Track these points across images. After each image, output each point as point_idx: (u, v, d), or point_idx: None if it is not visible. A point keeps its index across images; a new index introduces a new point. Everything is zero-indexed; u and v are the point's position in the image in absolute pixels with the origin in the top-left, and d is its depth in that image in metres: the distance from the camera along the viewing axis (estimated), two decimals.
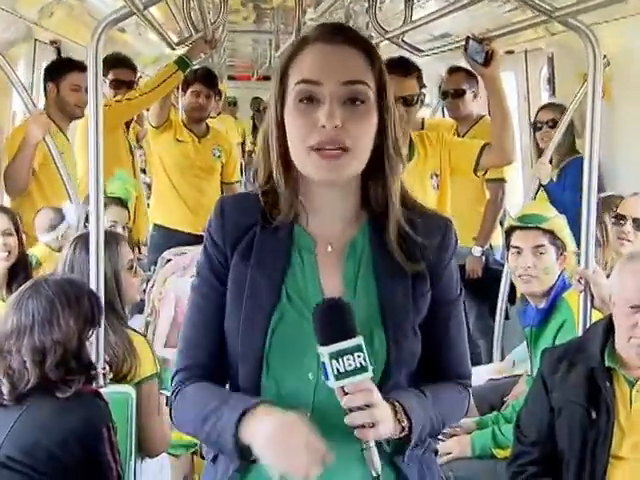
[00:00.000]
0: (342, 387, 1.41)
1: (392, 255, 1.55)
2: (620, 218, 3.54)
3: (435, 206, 3.26)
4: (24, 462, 2.22)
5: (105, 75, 5.04)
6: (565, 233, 3.13)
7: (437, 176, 3.65)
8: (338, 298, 1.47)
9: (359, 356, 1.39)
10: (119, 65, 5.21)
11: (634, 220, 3.55)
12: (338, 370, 1.39)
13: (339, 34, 1.52)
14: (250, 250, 1.57)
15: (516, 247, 3.15)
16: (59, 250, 3.97)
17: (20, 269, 3.32)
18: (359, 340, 1.40)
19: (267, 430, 1.42)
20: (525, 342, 3.20)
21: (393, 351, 1.52)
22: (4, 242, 3.27)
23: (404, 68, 3.50)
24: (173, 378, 1.63)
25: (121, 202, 3.85)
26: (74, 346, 2.33)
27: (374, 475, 1.42)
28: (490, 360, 4.41)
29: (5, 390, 2.27)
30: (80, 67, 4.61)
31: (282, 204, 1.56)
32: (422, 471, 1.60)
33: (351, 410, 1.41)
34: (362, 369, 1.40)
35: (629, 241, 3.53)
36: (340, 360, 1.39)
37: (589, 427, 2.38)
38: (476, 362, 4.05)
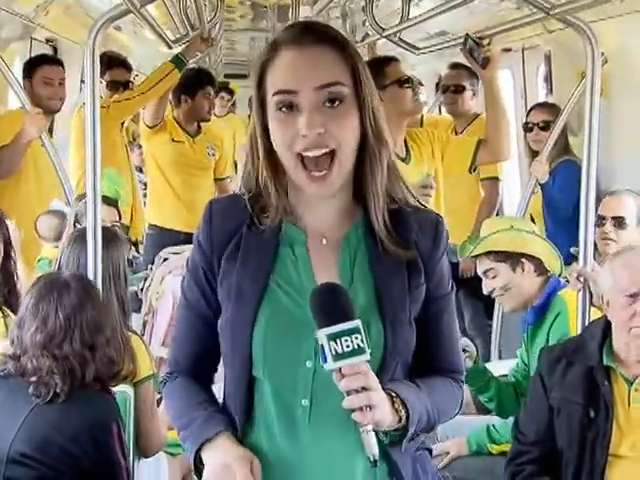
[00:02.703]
0: (339, 369, 1.41)
1: (387, 248, 1.56)
2: (601, 219, 3.53)
3: (432, 206, 3.26)
4: (37, 458, 2.25)
5: (101, 76, 5.03)
6: (514, 243, 3.03)
7: (431, 176, 3.67)
8: (334, 282, 1.49)
9: (356, 338, 1.40)
10: (115, 65, 5.20)
11: (613, 218, 3.54)
12: (336, 351, 1.40)
13: (308, 34, 1.52)
14: (237, 252, 1.58)
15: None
16: None
17: (5, 276, 3.15)
18: (357, 322, 1.41)
19: (210, 467, 1.51)
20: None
21: (390, 340, 1.53)
22: None
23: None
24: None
25: (108, 201, 3.82)
26: (109, 337, 2.41)
27: (371, 460, 1.42)
28: (487, 359, 4.40)
29: (59, 384, 2.29)
30: (50, 60, 4.62)
31: (271, 206, 1.57)
32: (416, 469, 1.61)
33: (348, 393, 1.41)
34: (360, 350, 1.40)
35: (612, 240, 3.52)
36: (338, 341, 1.40)
37: (588, 426, 2.38)
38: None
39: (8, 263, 3.20)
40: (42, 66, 4.51)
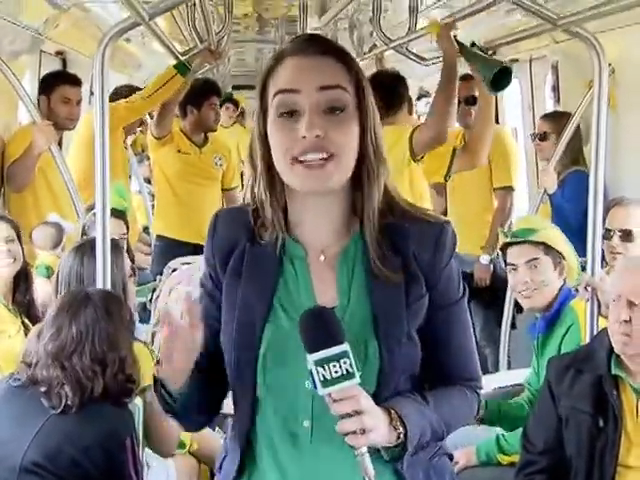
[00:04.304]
0: (330, 394, 1.40)
1: (384, 262, 1.54)
2: (608, 232, 3.49)
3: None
4: (47, 468, 2.26)
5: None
6: (560, 243, 3.08)
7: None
8: (322, 306, 1.48)
9: (345, 362, 1.38)
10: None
11: (620, 231, 3.51)
12: (324, 377, 1.38)
13: (313, 45, 1.53)
14: (240, 266, 1.58)
15: (512, 264, 3.11)
16: None
17: (22, 278, 3.33)
18: (345, 347, 1.39)
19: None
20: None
21: (386, 359, 1.52)
22: (8, 249, 3.28)
23: None
24: None
25: (116, 213, 3.82)
26: (124, 355, 2.41)
27: None
28: (497, 369, 4.39)
29: (70, 395, 2.30)
30: (71, 81, 4.62)
31: (268, 219, 1.56)
32: (429, 477, 1.59)
33: (341, 417, 1.40)
34: (348, 375, 1.39)
35: (619, 254, 3.49)
36: (326, 367, 1.38)
37: (596, 435, 2.38)
38: (482, 371, 4.02)
39: (27, 274, 3.30)
40: (62, 85, 4.51)
